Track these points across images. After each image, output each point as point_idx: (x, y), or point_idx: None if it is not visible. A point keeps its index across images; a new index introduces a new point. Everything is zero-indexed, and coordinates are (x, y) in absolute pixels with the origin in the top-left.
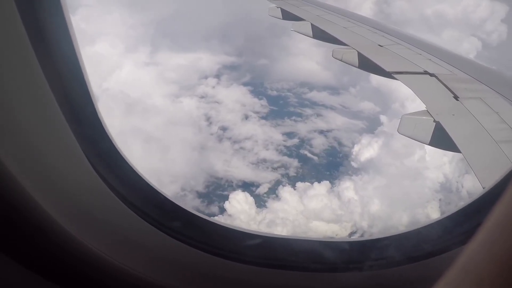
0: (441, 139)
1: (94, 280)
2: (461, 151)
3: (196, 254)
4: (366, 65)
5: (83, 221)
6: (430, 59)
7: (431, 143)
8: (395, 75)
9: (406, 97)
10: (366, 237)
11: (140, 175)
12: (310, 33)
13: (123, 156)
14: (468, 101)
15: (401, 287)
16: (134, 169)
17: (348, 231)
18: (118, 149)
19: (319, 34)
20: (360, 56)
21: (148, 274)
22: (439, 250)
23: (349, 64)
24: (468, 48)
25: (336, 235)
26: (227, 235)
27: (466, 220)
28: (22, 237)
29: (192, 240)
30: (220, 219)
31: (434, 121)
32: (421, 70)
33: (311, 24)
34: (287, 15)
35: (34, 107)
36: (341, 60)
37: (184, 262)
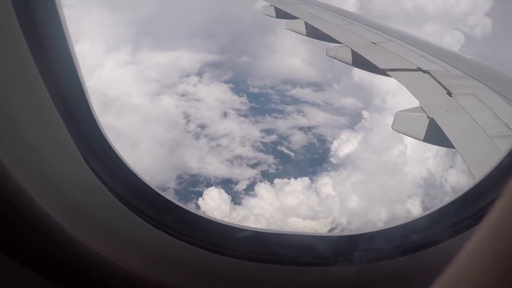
0: (435, 135)
1: (90, 277)
2: (455, 146)
3: (192, 251)
4: (360, 62)
5: (79, 217)
6: (423, 56)
7: (425, 139)
8: (389, 72)
9: (387, 92)
10: (358, 231)
11: (135, 172)
12: (304, 31)
13: (118, 154)
14: (462, 97)
15: (394, 280)
16: (128, 166)
17: (328, 228)
18: (112, 147)
19: (313, 32)
20: (354, 53)
21: (145, 271)
22: (430, 242)
23: (343, 62)
24: (451, 41)
25: (315, 231)
26: (223, 231)
27: (456, 213)
28: (19, 234)
29: (188, 236)
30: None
31: (428, 117)
32: (415, 67)
33: (305, 22)
34: (281, 14)
35: (29, 106)
36: (335, 58)
37: (181, 259)
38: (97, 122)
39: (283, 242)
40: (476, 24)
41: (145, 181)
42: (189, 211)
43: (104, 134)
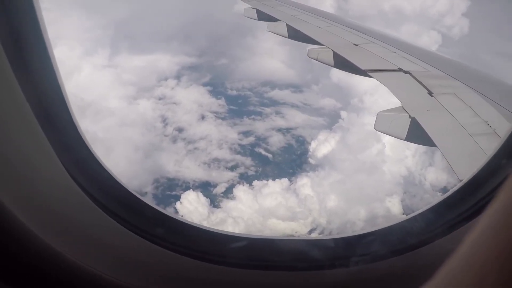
0: (417, 134)
1: (63, 284)
2: (437, 145)
3: (172, 257)
4: (342, 64)
5: (57, 226)
6: (404, 57)
7: (407, 139)
8: (370, 73)
9: (365, 92)
10: (351, 233)
11: (115, 177)
12: (286, 33)
13: (98, 159)
14: (442, 96)
15: (387, 280)
16: (109, 171)
17: (308, 228)
18: (93, 153)
19: (294, 34)
20: (335, 55)
21: (122, 278)
22: (422, 242)
23: (324, 63)
24: (428, 42)
25: (296, 232)
26: (204, 237)
27: (448, 211)
28: None
29: (169, 243)
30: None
31: (410, 117)
32: (396, 68)
33: (287, 24)
34: (263, 16)
35: (6, 113)
36: (316, 60)
37: (160, 265)
38: (78, 129)
39: (272, 247)
40: (453, 24)
41: (125, 186)
42: (168, 216)
43: (83, 139)
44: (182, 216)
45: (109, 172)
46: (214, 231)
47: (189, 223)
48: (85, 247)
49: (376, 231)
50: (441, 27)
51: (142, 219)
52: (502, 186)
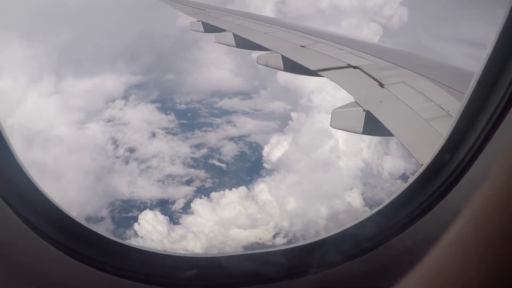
0: (373, 126)
1: None
2: (394, 134)
3: (117, 282)
4: (291, 67)
5: None
6: (351, 53)
7: (364, 132)
8: (320, 73)
9: (312, 91)
10: (308, 240)
11: (52, 200)
12: (233, 42)
13: (33, 182)
14: (393, 86)
15: (349, 283)
16: (46, 195)
17: (271, 233)
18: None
19: (242, 43)
20: (284, 59)
21: None
22: (384, 238)
23: (274, 68)
24: (369, 34)
25: (260, 239)
26: (150, 260)
27: (408, 202)
28: None
29: (112, 267)
30: (131, 242)
31: (364, 110)
32: (345, 64)
33: (233, 33)
34: (209, 28)
35: None
36: (266, 65)
37: None
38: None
39: (216, 265)
40: (392, 14)
41: (64, 211)
42: (110, 239)
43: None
44: (142, 237)
45: (45, 195)
46: (161, 253)
47: (134, 246)
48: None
49: (331, 236)
50: (380, 18)
51: (82, 244)
52: (487, 176)
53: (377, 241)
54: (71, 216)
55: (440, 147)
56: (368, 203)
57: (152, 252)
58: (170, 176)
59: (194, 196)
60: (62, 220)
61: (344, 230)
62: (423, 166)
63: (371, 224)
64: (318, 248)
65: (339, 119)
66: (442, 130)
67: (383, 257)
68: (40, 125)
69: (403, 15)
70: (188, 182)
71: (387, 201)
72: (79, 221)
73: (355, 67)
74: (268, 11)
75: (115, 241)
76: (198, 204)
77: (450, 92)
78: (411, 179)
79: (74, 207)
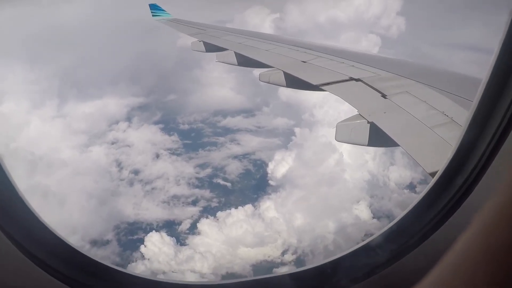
0: (378, 137)
1: None
2: (399, 144)
3: None
4: (294, 82)
5: None
6: (353, 66)
7: (369, 144)
8: (323, 87)
9: (314, 105)
10: (317, 263)
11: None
12: (235, 61)
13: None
14: (396, 96)
15: None
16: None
17: (280, 251)
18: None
19: (244, 61)
20: (286, 75)
21: None
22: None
23: (277, 85)
24: (368, 45)
25: (268, 257)
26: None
27: (424, 213)
28: None
29: None
30: (138, 265)
31: (368, 122)
32: (347, 77)
33: (235, 52)
34: (210, 47)
35: None
36: (268, 82)
37: None
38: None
39: None
40: (390, 24)
41: (59, 236)
42: (104, 265)
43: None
44: (148, 259)
45: (41, 219)
46: (161, 280)
47: (133, 274)
48: None
49: (341, 256)
50: (378, 29)
51: (77, 271)
52: (497, 191)
53: (388, 261)
54: (66, 241)
55: (450, 158)
56: (376, 215)
57: (152, 280)
58: (175, 197)
59: (200, 216)
60: (57, 245)
61: (352, 251)
62: (433, 179)
63: (383, 243)
64: (326, 271)
65: (343, 133)
66: (447, 137)
67: (395, 277)
68: (44, 149)
69: (401, 25)
70: (194, 202)
71: (398, 218)
72: (75, 247)
73: (357, 80)
74: (267, 27)
75: (113, 269)
76: (205, 224)
77: (452, 98)
78: (423, 192)
79: (79, 231)
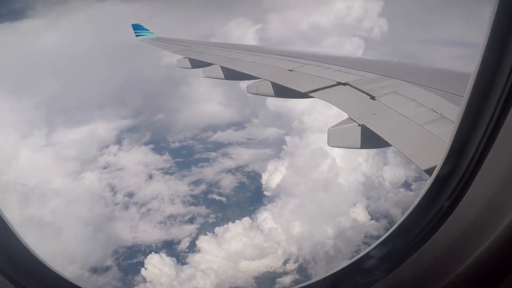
0: (371, 139)
1: None
2: (392, 144)
3: None
4: (282, 92)
5: None
6: (339, 70)
7: (362, 146)
8: (311, 94)
9: (302, 113)
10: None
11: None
12: (222, 75)
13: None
14: (384, 97)
15: None
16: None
17: (281, 260)
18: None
19: (230, 74)
20: (274, 85)
21: None
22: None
23: (265, 96)
24: (352, 48)
25: (270, 268)
26: None
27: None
28: None
29: None
30: None
31: (359, 125)
32: (334, 82)
33: (221, 66)
34: (196, 63)
35: None
36: (256, 94)
37: None
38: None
39: None
40: (372, 26)
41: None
42: None
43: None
44: (150, 281)
45: (34, 253)
46: None
47: None
48: None
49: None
50: (361, 32)
51: None
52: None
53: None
54: (61, 275)
55: (444, 156)
56: (374, 216)
57: None
58: (171, 216)
59: (199, 234)
60: (51, 278)
61: (354, 262)
62: (430, 179)
63: (383, 251)
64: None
65: (335, 137)
66: (438, 133)
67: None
68: (35, 179)
69: (383, 26)
70: (191, 220)
71: (397, 223)
72: (71, 280)
73: (344, 84)
74: (251, 39)
75: None
76: (204, 241)
77: (440, 94)
78: (422, 192)
79: (77, 259)
